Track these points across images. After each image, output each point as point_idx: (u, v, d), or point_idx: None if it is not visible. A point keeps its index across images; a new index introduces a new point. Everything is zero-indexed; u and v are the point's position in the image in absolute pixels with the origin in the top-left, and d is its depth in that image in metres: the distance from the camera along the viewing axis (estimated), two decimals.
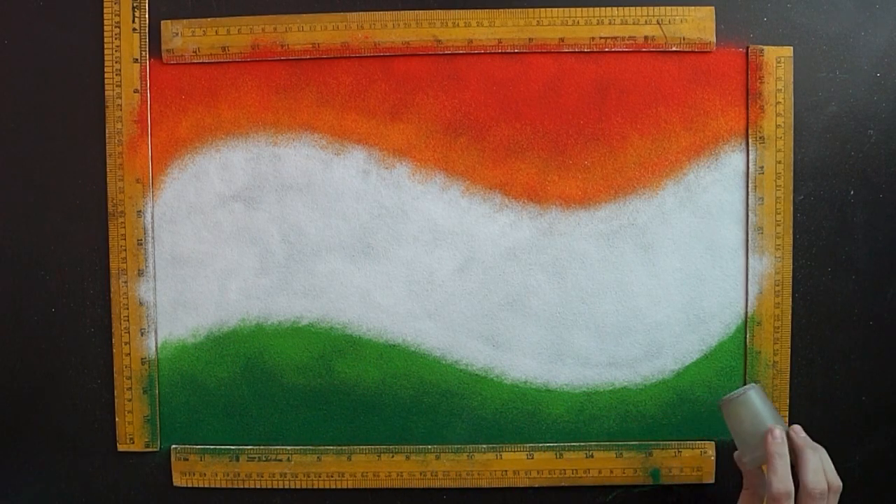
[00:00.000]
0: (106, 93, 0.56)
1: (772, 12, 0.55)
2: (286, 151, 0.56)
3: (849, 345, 0.57)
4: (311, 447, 0.57)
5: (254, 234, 0.57)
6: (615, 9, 0.55)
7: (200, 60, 0.56)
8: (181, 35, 0.56)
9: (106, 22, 0.56)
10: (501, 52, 0.56)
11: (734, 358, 0.57)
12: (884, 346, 0.57)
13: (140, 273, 0.57)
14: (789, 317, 0.56)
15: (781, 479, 0.46)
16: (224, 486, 0.58)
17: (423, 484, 0.57)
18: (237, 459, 0.57)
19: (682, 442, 0.57)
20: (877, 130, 0.56)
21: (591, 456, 0.57)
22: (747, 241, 0.56)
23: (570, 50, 0.55)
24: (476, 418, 0.57)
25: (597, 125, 0.56)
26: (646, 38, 0.55)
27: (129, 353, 0.57)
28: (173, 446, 0.58)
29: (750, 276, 0.56)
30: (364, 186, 0.56)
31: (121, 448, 0.58)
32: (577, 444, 0.57)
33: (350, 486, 0.57)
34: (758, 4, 0.55)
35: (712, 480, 0.57)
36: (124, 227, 0.57)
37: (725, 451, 0.57)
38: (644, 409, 0.57)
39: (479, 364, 0.57)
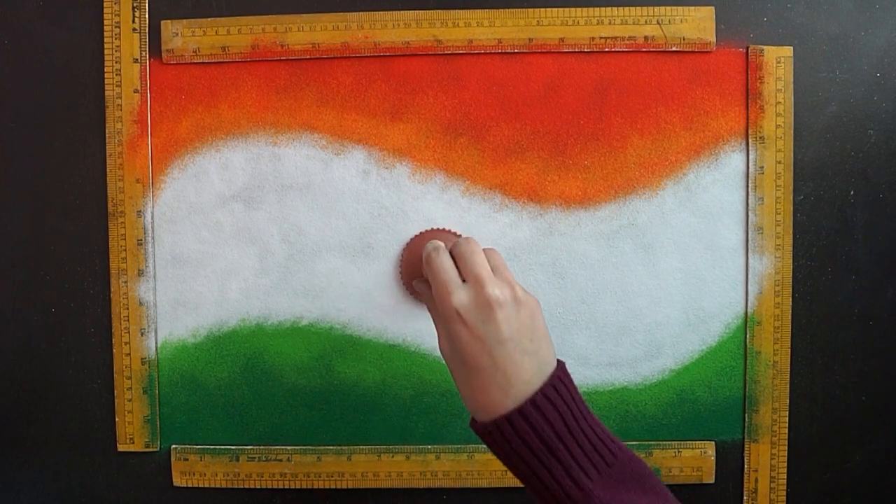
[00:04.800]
0: (106, 93, 0.56)
1: (772, 12, 0.55)
2: (286, 151, 0.56)
3: (849, 345, 0.57)
4: (311, 447, 0.57)
5: (254, 234, 0.57)
6: (615, 9, 0.55)
7: (200, 60, 0.56)
8: (181, 35, 0.56)
9: (106, 22, 0.56)
10: (501, 52, 0.56)
11: (734, 358, 0.57)
12: (884, 346, 0.57)
13: (140, 273, 0.57)
14: (789, 317, 0.56)
15: (439, 271, 0.43)
16: (224, 486, 0.58)
17: (423, 484, 0.57)
18: (237, 459, 0.57)
19: (682, 442, 0.57)
20: (877, 130, 0.56)
21: None
22: (747, 241, 0.56)
23: (570, 50, 0.55)
24: None
25: (597, 125, 0.56)
26: (646, 38, 0.55)
27: (129, 353, 0.57)
28: (173, 446, 0.58)
29: (750, 276, 0.56)
30: (364, 186, 0.56)
31: (121, 448, 0.58)
32: None
33: (350, 486, 0.57)
34: (758, 4, 0.55)
35: (712, 480, 0.57)
36: (124, 227, 0.57)
37: (725, 452, 0.57)
38: (644, 409, 0.57)
39: None
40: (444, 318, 0.42)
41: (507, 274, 0.43)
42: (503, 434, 0.40)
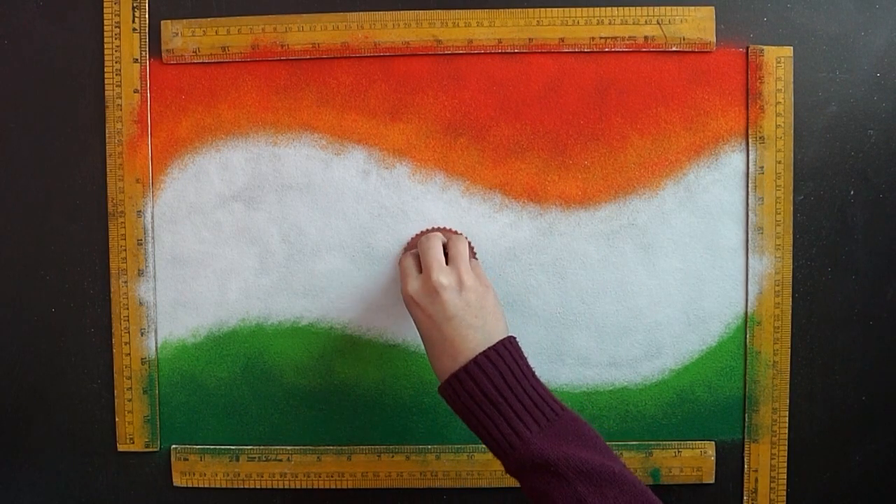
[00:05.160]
0: (106, 93, 0.56)
1: (772, 12, 0.55)
2: (286, 151, 0.56)
3: (849, 345, 0.57)
4: (311, 447, 0.57)
5: (254, 234, 0.57)
6: (615, 9, 0.55)
7: (200, 60, 0.56)
8: (181, 35, 0.56)
9: (106, 22, 0.56)
10: (501, 52, 0.56)
11: (734, 358, 0.57)
12: (884, 346, 0.57)
13: (140, 273, 0.57)
14: (789, 317, 0.56)
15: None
16: (224, 486, 0.58)
17: (423, 484, 0.57)
18: (237, 459, 0.57)
19: (682, 442, 0.57)
20: (877, 130, 0.56)
21: None
22: (747, 241, 0.56)
23: (570, 50, 0.55)
24: None
25: (597, 125, 0.56)
26: (646, 38, 0.55)
27: (129, 353, 0.57)
28: (173, 446, 0.58)
29: (750, 276, 0.56)
30: (364, 186, 0.56)
31: (121, 448, 0.58)
32: None
33: (350, 486, 0.57)
34: (758, 4, 0.55)
35: (712, 480, 0.57)
36: (124, 227, 0.57)
37: (725, 452, 0.57)
38: (644, 409, 0.57)
39: None
40: (405, 304, 0.49)
41: (463, 262, 0.49)
42: (454, 390, 0.45)
